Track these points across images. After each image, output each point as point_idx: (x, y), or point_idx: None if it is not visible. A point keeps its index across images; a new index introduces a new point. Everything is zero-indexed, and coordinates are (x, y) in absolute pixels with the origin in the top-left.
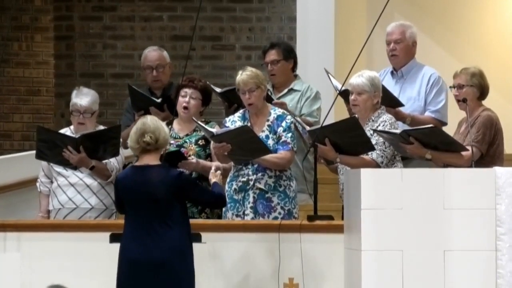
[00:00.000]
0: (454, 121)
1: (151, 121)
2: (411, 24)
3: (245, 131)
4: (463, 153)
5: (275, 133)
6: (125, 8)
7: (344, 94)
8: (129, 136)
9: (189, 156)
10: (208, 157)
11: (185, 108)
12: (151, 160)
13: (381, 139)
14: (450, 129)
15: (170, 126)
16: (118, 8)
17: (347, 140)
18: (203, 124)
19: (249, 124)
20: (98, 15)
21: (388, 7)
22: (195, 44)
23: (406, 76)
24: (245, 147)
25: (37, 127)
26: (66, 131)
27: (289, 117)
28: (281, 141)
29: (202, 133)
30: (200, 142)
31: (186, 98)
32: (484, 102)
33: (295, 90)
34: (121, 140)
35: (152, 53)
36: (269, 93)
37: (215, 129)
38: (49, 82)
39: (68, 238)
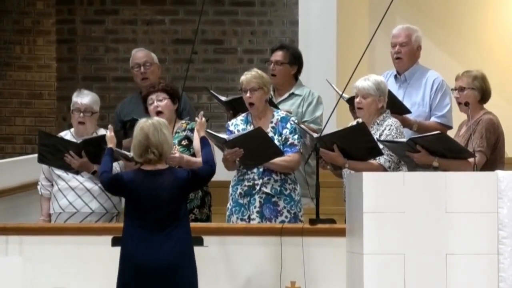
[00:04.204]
0: (455, 124)
1: (153, 133)
2: (417, 28)
3: (258, 134)
4: (470, 160)
5: (280, 134)
6: (127, 12)
7: (349, 100)
8: (131, 145)
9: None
10: (193, 156)
11: (159, 113)
12: (159, 164)
13: None
14: (451, 132)
15: None
16: (120, 12)
17: (355, 146)
18: (214, 132)
19: (252, 127)
20: (100, 19)
21: (390, 11)
22: (197, 47)
23: (410, 81)
24: (257, 150)
25: (38, 132)
26: (66, 134)
27: (293, 118)
28: (288, 143)
29: (185, 133)
30: (184, 142)
31: (154, 103)
32: (485, 105)
33: (296, 95)
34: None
35: (138, 52)
36: (270, 97)
37: (226, 136)
38: (51, 86)
39: (70, 241)
